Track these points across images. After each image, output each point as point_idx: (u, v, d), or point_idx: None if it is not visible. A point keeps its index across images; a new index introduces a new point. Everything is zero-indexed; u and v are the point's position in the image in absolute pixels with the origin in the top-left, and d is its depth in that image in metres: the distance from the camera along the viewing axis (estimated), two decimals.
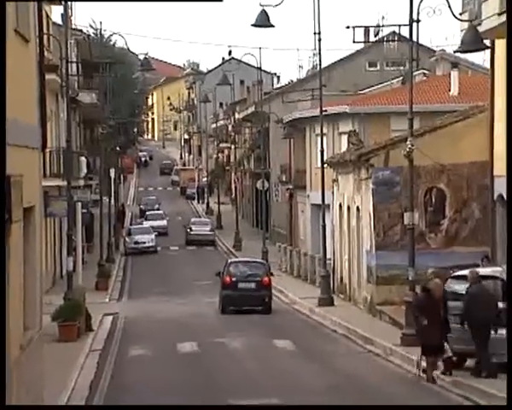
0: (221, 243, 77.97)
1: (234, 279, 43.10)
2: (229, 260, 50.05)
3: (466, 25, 29.38)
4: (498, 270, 26.36)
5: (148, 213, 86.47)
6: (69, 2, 34.71)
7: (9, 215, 16.38)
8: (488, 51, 33.33)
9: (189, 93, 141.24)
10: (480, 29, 29.36)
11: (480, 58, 51.28)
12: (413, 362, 25.34)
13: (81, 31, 62.53)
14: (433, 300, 22.98)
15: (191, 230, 79.53)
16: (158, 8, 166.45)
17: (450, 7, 28.69)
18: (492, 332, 23.97)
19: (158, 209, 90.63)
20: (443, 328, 22.90)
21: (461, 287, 24.47)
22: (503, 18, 29.17)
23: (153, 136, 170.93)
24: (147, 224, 79.61)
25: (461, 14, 30.74)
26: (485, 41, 30.25)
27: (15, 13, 18.12)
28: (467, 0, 31.30)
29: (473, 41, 28.27)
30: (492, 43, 32.32)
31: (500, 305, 23.63)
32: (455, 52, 44.82)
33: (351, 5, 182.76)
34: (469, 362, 24.10)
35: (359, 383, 23.88)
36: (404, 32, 37.79)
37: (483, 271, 26.34)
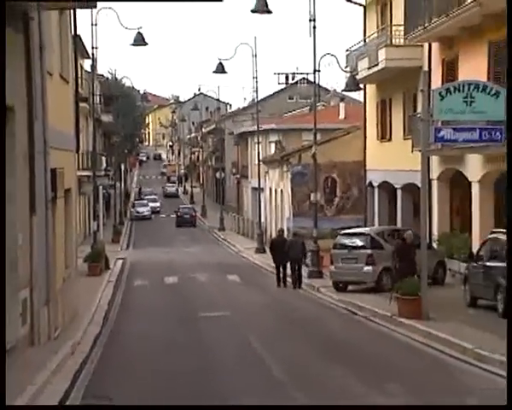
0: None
1: (180, 213, 66.52)
2: (179, 207, 70.32)
3: (348, 74, 29.81)
4: (367, 229, 26.92)
5: (146, 197, 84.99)
6: (96, 57, 33.91)
7: (55, 194, 16.22)
8: (362, 91, 33.48)
9: (172, 115, 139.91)
10: (357, 77, 29.79)
11: (357, 95, 51.64)
12: (314, 289, 25.46)
13: (102, 75, 61.90)
14: (407, 246, 20.37)
15: (166, 189, 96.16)
16: (152, 59, 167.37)
17: (338, 62, 29.08)
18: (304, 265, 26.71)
19: (154, 195, 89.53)
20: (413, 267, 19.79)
21: (346, 241, 24.48)
22: (371, 71, 29.44)
23: (149, 143, 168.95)
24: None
25: (345, 67, 31.10)
26: (360, 85, 30.80)
27: (60, 63, 18.09)
28: (348, 58, 31.61)
29: (352, 84, 28.67)
30: (364, 86, 32.61)
31: (369, 251, 23.50)
32: (342, 91, 45.14)
33: (277, 58, 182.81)
34: (352, 287, 24.19)
35: (282, 302, 23.58)
36: (311, 77, 38.50)
37: (360, 230, 26.61)
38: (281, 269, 27.23)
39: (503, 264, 17.44)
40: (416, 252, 19.50)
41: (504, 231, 18.85)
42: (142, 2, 19.56)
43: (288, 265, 26.89)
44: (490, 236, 19.42)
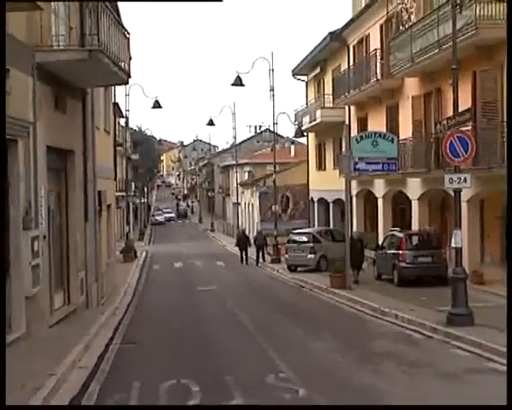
0: (192, 220, 76.18)
1: (179, 210, 74.46)
2: (179, 207, 77.14)
3: (296, 126, 30.03)
4: (310, 230, 26.40)
5: (164, 210, 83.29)
6: (128, 116, 33.69)
7: (100, 208, 16.20)
8: (306, 137, 33.24)
9: (179, 154, 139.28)
10: (302, 128, 29.97)
11: (303, 140, 51.80)
12: (274, 270, 25.28)
13: (132, 128, 61.43)
14: (354, 241, 18.59)
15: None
16: (166, 115, 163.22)
17: (289, 118, 29.55)
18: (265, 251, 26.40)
19: (169, 208, 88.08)
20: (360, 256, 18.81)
21: (296, 238, 24.05)
22: (311, 124, 29.00)
23: (163, 173, 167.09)
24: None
25: (294, 121, 31.36)
26: (304, 133, 31.04)
27: (104, 121, 18.12)
28: (296, 115, 31.70)
29: (299, 133, 28.96)
30: (307, 134, 32.38)
31: (311, 244, 23.10)
32: (292, 137, 45.20)
33: (249, 114, 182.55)
34: (300, 269, 23.57)
35: (252, 279, 23.13)
36: (271, 128, 38.54)
37: (305, 230, 26.04)
38: (243, 253, 28.00)
39: (397, 251, 17.98)
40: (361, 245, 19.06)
41: (398, 229, 19.43)
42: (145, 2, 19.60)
43: (255, 250, 27.45)
44: (389, 233, 19.74)
